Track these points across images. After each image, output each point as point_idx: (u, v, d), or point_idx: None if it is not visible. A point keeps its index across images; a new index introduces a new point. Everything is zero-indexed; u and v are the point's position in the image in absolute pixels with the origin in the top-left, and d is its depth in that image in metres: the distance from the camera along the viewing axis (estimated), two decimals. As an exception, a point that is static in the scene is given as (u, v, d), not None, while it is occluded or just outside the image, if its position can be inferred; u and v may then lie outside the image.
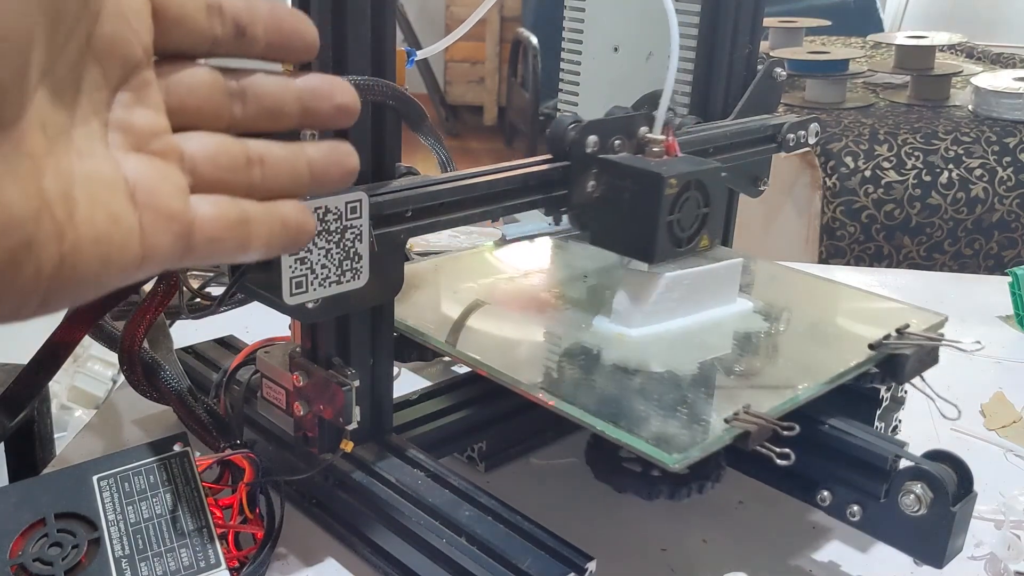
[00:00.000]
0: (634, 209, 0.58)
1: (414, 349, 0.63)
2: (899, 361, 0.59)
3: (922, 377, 0.62)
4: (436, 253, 0.92)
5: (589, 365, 0.58)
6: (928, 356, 0.61)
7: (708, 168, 0.59)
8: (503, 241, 0.76)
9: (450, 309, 0.65)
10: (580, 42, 0.79)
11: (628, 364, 0.57)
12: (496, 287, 0.68)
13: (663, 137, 0.59)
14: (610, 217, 0.59)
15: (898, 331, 0.61)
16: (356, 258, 0.48)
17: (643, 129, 0.60)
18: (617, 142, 0.59)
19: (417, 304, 0.65)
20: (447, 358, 0.73)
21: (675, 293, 0.61)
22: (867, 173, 1.50)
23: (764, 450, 0.49)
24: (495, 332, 0.62)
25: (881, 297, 0.70)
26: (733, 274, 0.64)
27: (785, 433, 0.49)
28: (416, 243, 0.95)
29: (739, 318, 0.64)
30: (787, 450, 0.49)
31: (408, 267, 0.71)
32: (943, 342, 0.61)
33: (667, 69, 0.59)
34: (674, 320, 0.62)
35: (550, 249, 0.76)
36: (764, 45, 1.94)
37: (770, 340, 0.62)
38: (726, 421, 0.50)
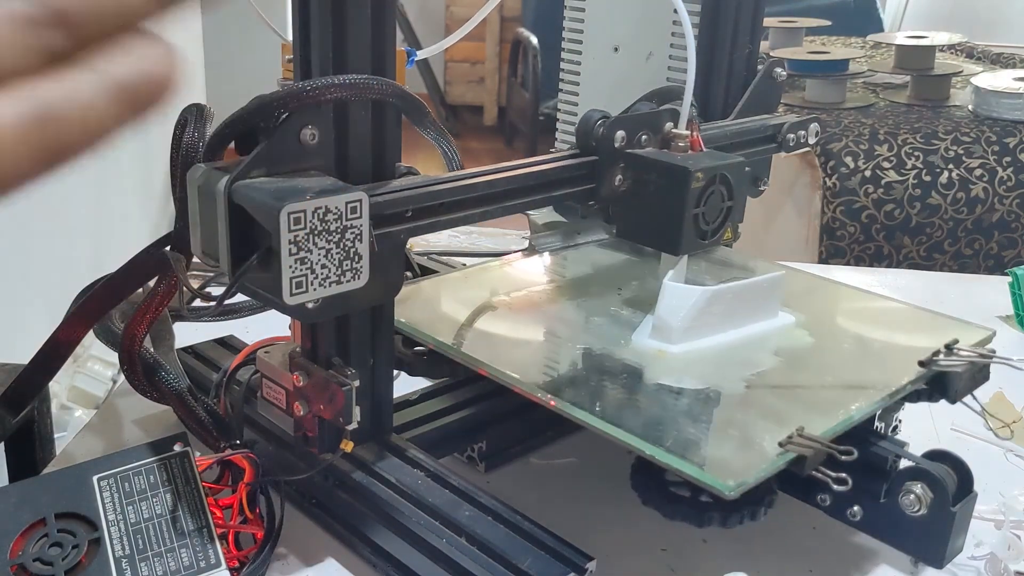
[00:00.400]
0: (661, 202, 0.59)
1: (444, 364, 0.61)
2: (950, 379, 0.57)
3: (974, 396, 0.60)
4: (436, 253, 0.92)
5: (632, 384, 0.56)
6: (980, 374, 0.58)
7: (733, 162, 0.60)
8: (531, 251, 0.75)
9: (482, 323, 0.63)
10: (580, 42, 0.79)
11: (672, 383, 0.55)
12: (529, 300, 0.67)
13: (688, 132, 0.61)
14: (637, 210, 0.60)
15: (947, 347, 0.59)
16: (356, 258, 0.48)
17: (668, 124, 0.61)
18: (643, 137, 0.60)
19: (448, 318, 0.64)
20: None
21: (717, 308, 0.59)
22: (867, 173, 1.50)
23: (820, 475, 0.47)
24: (533, 349, 0.61)
25: (924, 310, 0.67)
26: (775, 288, 0.63)
27: (843, 458, 0.47)
28: (416, 243, 0.95)
29: (782, 333, 0.62)
30: (843, 475, 0.47)
31: (437, 278, 0.70)
32: (994, 359, 0.58)
33: (686, 64, 0.60)
34: (716, 336, 0.60)
35: (581, 259, 0.74)
36: (764, 45, 1.93)
37: (816, 356, 0.60)
38: (780, 445, 0.47)
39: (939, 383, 0.58)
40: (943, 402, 0.79)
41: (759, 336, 0.61)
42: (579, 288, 0.70)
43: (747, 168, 0.62)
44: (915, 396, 0.58)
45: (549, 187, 0.58)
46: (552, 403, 0.52)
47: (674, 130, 0.61)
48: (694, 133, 0.61)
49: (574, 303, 0.67)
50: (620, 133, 0.59)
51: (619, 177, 0.60)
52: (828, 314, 0.67)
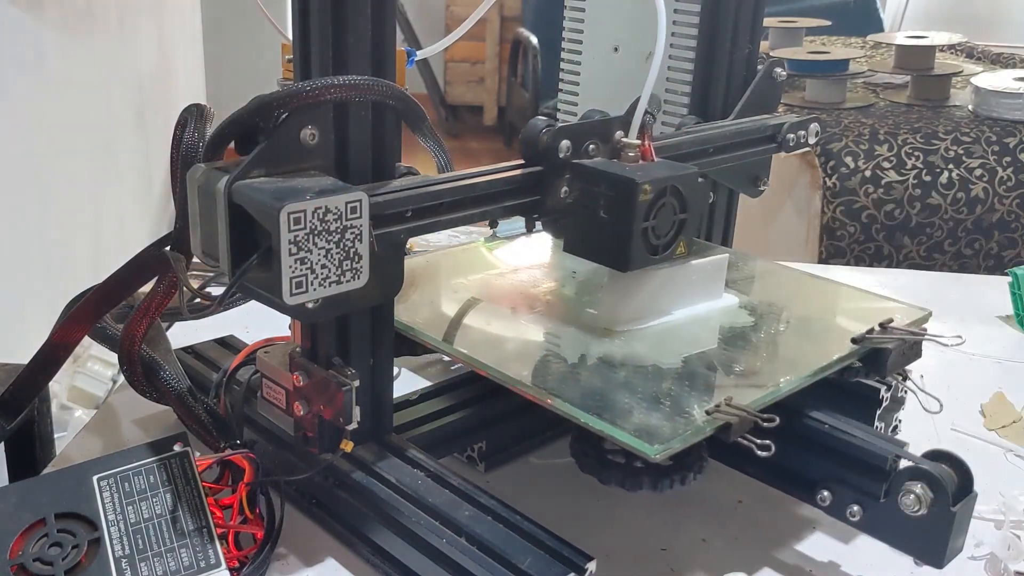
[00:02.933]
0: (608, 216, 0.57)
1: (404, 344, 0.63)
2: (882, 355, 0.60)
3: (904, 373, 0.63)
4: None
5: (575, 359, 0.58)
6: (911, 350, 0.61)
7: (684, 174, 0.58)
8: (494, 237, 0.76)
9: (440, 304, 0.65)
10: (580, 42, 0.79)
11: (614, 358, 0.58)
12: (486, 283, 0.69)
13: (639, 142, 0.58)
14: (584, 224, 0.58)
15: (881, 325, 0.61)
16: (356, 258, 0.48)
17: (619, 133, 0.59)
18: (592, 147, 0.58)
19: (407, 300, 0.65)
20: (440, 355, 0.73)
21: (661, 288, 0.61)
22: (867, 173, 1.50)
23: (745, 442, 0.50)
24: (484, 327, 0.63)
25: (867, 293, 0.71)
26: (719, 270, 0.65)
27: (765, 425, 0.50)
28: (416, 243, 0.95)
29: (725, 313, 0.65)
30: (767, 441, 0.50)
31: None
32: (925, 336, 0.61)
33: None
34: (660, 315, 0.62)
35: (539, 245, 0.77)
36: (764, 45, 1.93)
37: (755, 335, 0.62)
38: (707, 413, 0.50)
39: (872, 359, 0.60)
40: (943, 402, 0.79)
41: (702, 316, 0.64)
42: (535, 271, 0.72)
43: (701, 179, 0.60)
44: (851, 372, 0.61)
45: (494, 198, 0.55)
46: (493, 375, 0.55)
47: (624, 139, 0.59)
48: (646, 142, 0.58)
49: (529, 285, 0.68)
50: (565, 143, 0.56)
51: (565, 189, 0.57)
52: (773, 296, 0.69)
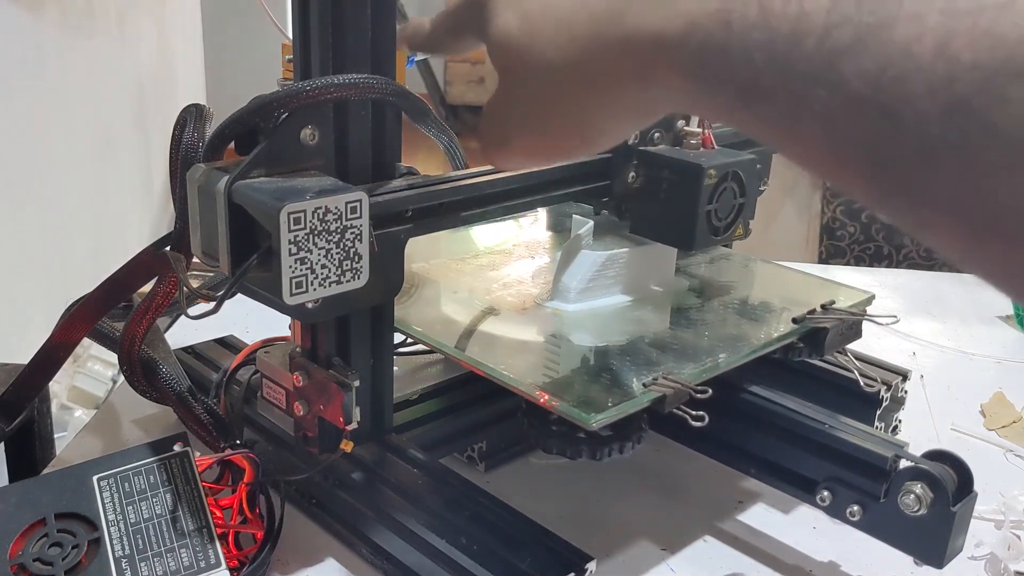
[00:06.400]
0: (674, 199, 0.61)
1: None
2: (820, 334, 0.62)
3: (843, 350, 0.65)
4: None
5: (524, 338, 0.60)
6: (850, 330, 0.63)
7: (744, 160, 0.62)
8: None
9: (406, 289, 0.66)
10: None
11: (562, 337, 0.60)
12: (447, 267, 0.70)
13: (700, 130, 0.62)
14: (650, 207, 0.62)
15: (823, 306, 0.64)
16: (356, 258, 0.48)
17: (681, 122, 0.63)
18: (656, 134, 0.62)
19: None
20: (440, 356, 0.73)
21: (610, 271, 0.63)
22: (867, 173, 1.50)
23: (680, 412, 0.52)
24: (440, 308, 0.64)
25: (815, 278, 0.72)
26: (669, 254, 0.67)
27: (699, 396, 0.52)
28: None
29: (674, 296, 0.67)
30: (701, 412, 0.51)
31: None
32: (864, 317, 0.63)
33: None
34: (610, 297, 0.64)
35: (502, 229, 0.78)
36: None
37: (701, 315, 0.64)
38: (644, 385, 0.52)
39: (812, 338, 0.62)
40: (943, 402, 0.79)
41: (650, 298, 0.66)
42: (496, 255, 0.73)
43: (758, 165, 0.64)
44: (794, 351, 0.62)
45: (562, 184, 0.59)
46: (445, 351, 0.58)
47: (686, 128, 0.63)
48: (706, 131, 0.62)
49: (487, 270, 0.70)
50: None
51: (632, 174, 0.62)
52: (723, 279, 0.71)
